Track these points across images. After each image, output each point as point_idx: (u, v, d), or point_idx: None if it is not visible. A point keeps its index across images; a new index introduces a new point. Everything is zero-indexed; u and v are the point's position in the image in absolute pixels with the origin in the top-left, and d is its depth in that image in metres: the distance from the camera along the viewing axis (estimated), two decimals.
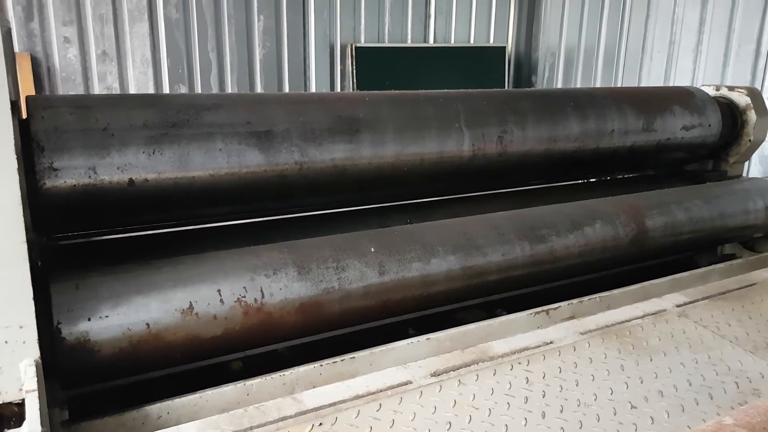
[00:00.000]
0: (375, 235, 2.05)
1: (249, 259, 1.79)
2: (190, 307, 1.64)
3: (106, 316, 1.55)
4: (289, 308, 1.77)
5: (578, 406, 1.58)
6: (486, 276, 2.12)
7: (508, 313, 2.18)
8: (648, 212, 2.54)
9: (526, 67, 8.35)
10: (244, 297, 1.71)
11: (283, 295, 1.76)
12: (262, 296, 1.73)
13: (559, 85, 7.80)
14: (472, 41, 8.04)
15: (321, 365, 1.79)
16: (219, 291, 1.68)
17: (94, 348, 1.53)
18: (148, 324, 1.59)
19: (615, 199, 2.63)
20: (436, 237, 2.08)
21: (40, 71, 5.77)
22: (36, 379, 1.37)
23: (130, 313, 1.58)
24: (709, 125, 3.03)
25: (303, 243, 1.92)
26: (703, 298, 2.23)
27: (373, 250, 1.94)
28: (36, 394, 1.33)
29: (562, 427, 1.49)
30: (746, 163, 3.43)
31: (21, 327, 1.40)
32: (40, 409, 1.30)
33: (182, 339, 1.63)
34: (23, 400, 1.36)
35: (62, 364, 1.51)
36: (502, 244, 2.16)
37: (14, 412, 1.40)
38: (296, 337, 1.89)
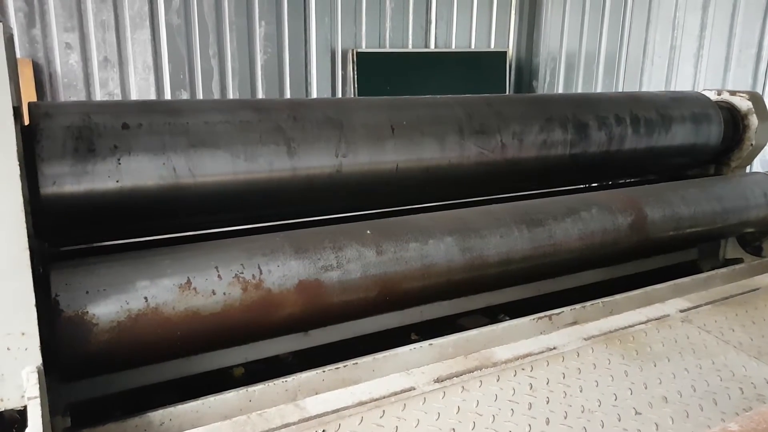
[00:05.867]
0: (371, 223, 2.06)
1: (245, 243, 1.82)
2: (188, 282, 1.64)
3: (104, 290, 1.55)
4: (288, 286, 1.77)
5: (582, 412, 1.57)
6: (484, 259, 2.12)
7: (511, 318, 2.17)
8: (645, 201, 2.55)
9: (527, 72, 8.35)
10: (242, 273, 1.71)
11: (281, 272, 1.76)
12: (260, 272, 1.73)
13: (560, 90, 7.80)
14: (473, 46, 8.05)
15: (324, 371, 1.78)
16: (217, 267, 1.69)
17: (93, 321, 1.52)
18: (146, 298, 1.59)
19: (612, 191, 2.64)
20: (432, 222, 2.09)
21: (41, 77, 5.77)
22: (38, 386, 1.36)
23: (128, 287, 1.58)
24: (711, 130, 3.03)
25: (299, 231, 1.94)
26: (707, 303, 2.23)
27: (369, 232, 1.96)
28: (38, 401, 1.33)
29: None
30: (748, 168, 3.42)
31: (23, 334, 1.39)
32: (42, 416, 1.30)
33: (182, 315, 1.63)
34: (25, 407, 1.36)
35: (60, 338, 1.50)
36: (499, 227, 2.17)
37: (16, 419, 1.40)
38: (299, 318, 1.85)
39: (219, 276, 1.68)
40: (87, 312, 1.52)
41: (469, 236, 2.09)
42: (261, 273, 1.74)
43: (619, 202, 2.48)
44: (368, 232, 1.96)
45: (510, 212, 2.27)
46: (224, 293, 1.68)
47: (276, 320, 1.80)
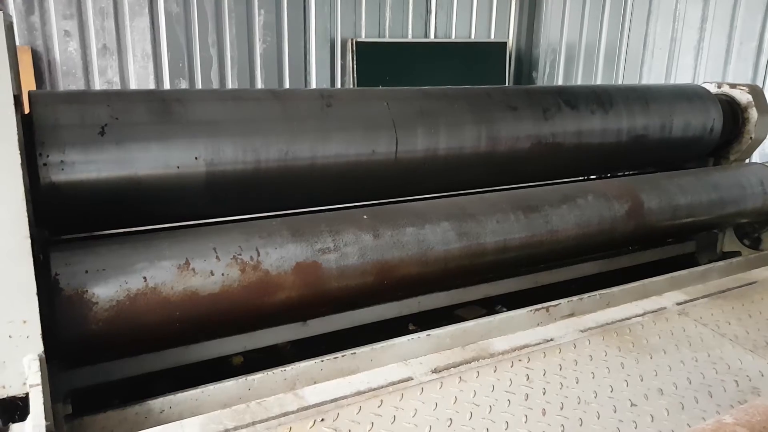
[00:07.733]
0: (368, 209, 2.08)
1: (242, 227, 1.84)
2: (187, 263, 1.66)
3: (104, 270, 1.56)
4: (285, 267, 1.78)
5: (578, 403, 1.58)
6: (481, 244, 2.13)
7: (508, 310, 2.19)
8: (641, 188, 2.57)
9: (526, 63, 8.33)
10: (240, 255, 1.73)
11: (279, 255, 1.78)
12: (258, 254, 1.75)
13: (560, 82, 7.78)
14: (473, 37, 8.02)
15: (322, 361, 1.80)
16: (215, 249, 1.71)
17: (92, 300, 1.53)
18: (145, 278, 1.60)
19: (608, 180, 2.66)
20: (429, 208, 2.11)
21: (40, 65, 5.75)
22: (40, 373, 1.37)
23: (127, 267, 1.59)
24: (711, 123, 3.03)
25: (296, 216, 1.96)
26: (703, 297, 2.24)
27: (365, 217, 1.97)
28: (40, 388, 1.34)
29: (562, 425, 1.49)
30: (747, 161, 3.43)
31: (24, 322, 1.40)
32: (44, 403, 1.31)
33: (180, 295, 1.64)
34: (27, 394, 1.37)
35: (60, 317, 1.51)
36: (495, 213, 2.18)
37: (18, 406, 1.41)
38: (297, 300, 1.86)
39: (217, 257, 1.70)
40: (86, 291, 1.53)
41: (466, 221, 2.10)
42: (259, 255, 1.75)
43: (615, 190, 2.49)
44: (365, 217, 1.97)
45: (507, 199, 2.29)
46: (222, 274, 1.69)
47: (274, 302, 1.81)
